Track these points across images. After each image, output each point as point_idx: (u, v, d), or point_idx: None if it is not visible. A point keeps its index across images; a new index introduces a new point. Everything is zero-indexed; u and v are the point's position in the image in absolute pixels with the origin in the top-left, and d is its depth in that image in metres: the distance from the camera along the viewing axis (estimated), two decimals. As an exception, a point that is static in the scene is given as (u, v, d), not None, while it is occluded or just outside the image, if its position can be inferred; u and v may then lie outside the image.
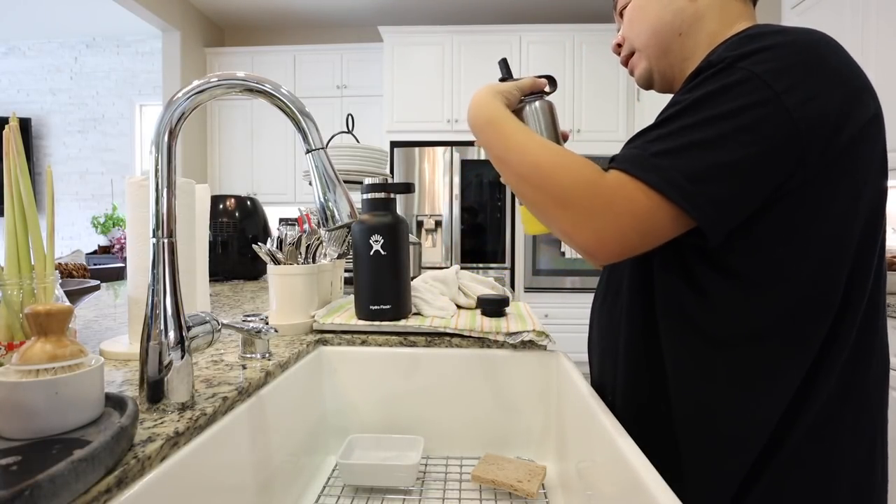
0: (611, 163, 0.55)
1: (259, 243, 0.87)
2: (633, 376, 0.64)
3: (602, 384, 0.72)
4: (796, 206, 0.51)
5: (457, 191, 3.42)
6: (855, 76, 0.52)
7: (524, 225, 0.74)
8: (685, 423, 0.57)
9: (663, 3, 0.65)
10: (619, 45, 0.73)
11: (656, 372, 0.60)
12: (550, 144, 0.58)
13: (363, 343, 0.83)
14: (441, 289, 1.00)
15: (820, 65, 0.50)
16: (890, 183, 2.15)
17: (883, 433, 0.58)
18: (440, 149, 3.44)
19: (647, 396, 0.62)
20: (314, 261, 0.91)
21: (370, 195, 0.87)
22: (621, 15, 0.72)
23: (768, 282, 0.53)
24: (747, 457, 0.54)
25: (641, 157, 0.52)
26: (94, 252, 4.26)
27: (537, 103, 0.70)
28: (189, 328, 0.49)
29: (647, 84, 0.72)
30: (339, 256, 1.10)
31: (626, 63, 0.73)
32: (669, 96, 0.64)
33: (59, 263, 1.07)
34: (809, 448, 0.53)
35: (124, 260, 2.07)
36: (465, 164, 3.43)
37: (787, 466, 0.53)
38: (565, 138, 0.73)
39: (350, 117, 1.52)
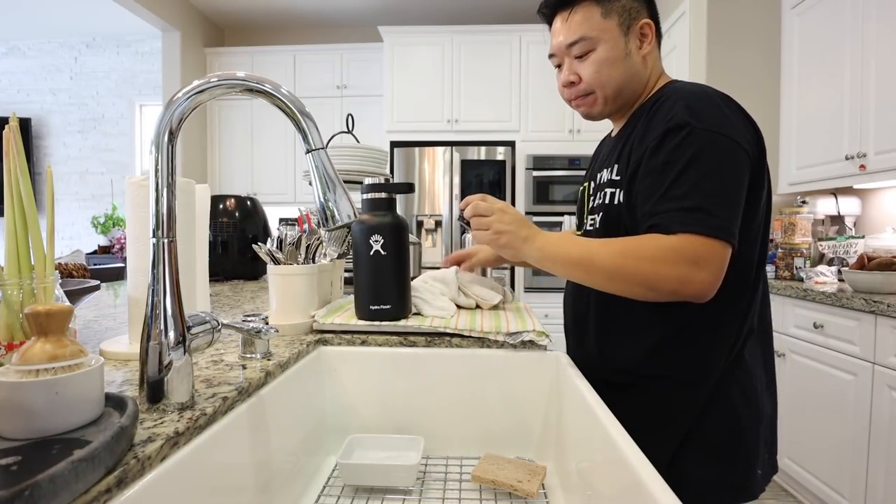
0: (650, 223, 0.70)
1: (259, 243, 0.87)
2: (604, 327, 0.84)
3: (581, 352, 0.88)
4: (746, 206, 0.71)
5: (457, 191, 3.42)
6: (748, 116, 0.74)
7: None
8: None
9: (627, 66, 0.79)
10: (573, 83, 0.82)
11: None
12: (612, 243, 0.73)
13: (363, 343, 0.83)
14: (441, 289, 1.00)
15: (735, 110, 0.73)
16: (889, 183, 2.12)
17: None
18: (440, 149, 3.44)
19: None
20: (314, 261, 0.91)
21: (370, 195, 0.87)
22: (568, 48, 0.80)
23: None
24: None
25: (682, 216, 0.67)
26: (94, 252, 4.26)
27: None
28: (189, 328, 0.49)
29: (592, 119, 0.86)
30: (339, 256, 1.10)
31: (576, 97, 0.83)
32: None
33: (59, 263, 1.07)
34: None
35: (124, 260, 2.06)
36: (465, 164, 3.43)
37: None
38: None
39: (350, 117, 1.52)
